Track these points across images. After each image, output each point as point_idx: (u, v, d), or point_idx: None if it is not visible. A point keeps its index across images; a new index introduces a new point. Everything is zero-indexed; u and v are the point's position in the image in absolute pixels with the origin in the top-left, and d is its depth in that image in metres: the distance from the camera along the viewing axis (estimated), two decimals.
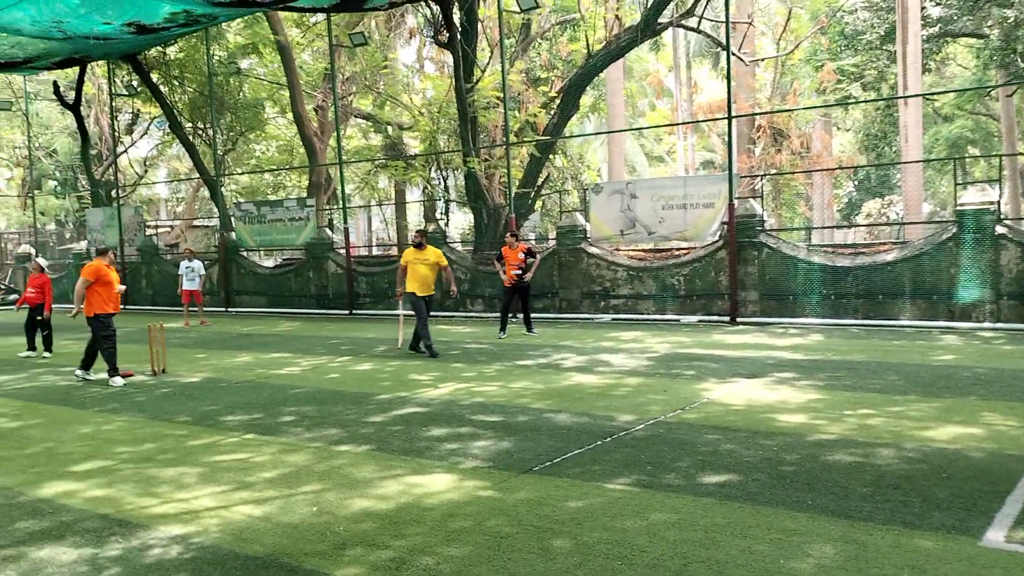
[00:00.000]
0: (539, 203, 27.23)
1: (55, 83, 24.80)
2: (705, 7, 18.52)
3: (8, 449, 6.74)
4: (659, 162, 41.53)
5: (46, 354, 12.98)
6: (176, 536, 4.56)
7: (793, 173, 26.68)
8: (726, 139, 15.78)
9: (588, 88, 23.82)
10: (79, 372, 10.44)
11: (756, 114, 27.09)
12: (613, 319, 15.21)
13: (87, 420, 7.89)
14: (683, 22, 18.86)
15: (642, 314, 15.21)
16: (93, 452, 6.57)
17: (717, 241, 14.68)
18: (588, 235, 16.21)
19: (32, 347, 13.16)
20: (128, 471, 5.96)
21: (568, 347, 11.65)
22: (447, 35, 18.33)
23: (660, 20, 17.94)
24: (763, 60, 29.07)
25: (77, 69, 22.96)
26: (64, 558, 4.30)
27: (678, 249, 16.70)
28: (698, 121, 31.39)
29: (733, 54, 16.36)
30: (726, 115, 14.82)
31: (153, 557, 4.27)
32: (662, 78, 42.56)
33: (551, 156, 23.34)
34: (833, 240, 27.66)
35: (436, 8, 18.77)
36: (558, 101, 20.04)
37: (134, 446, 6.73)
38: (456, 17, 18.23)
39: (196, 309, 17.94)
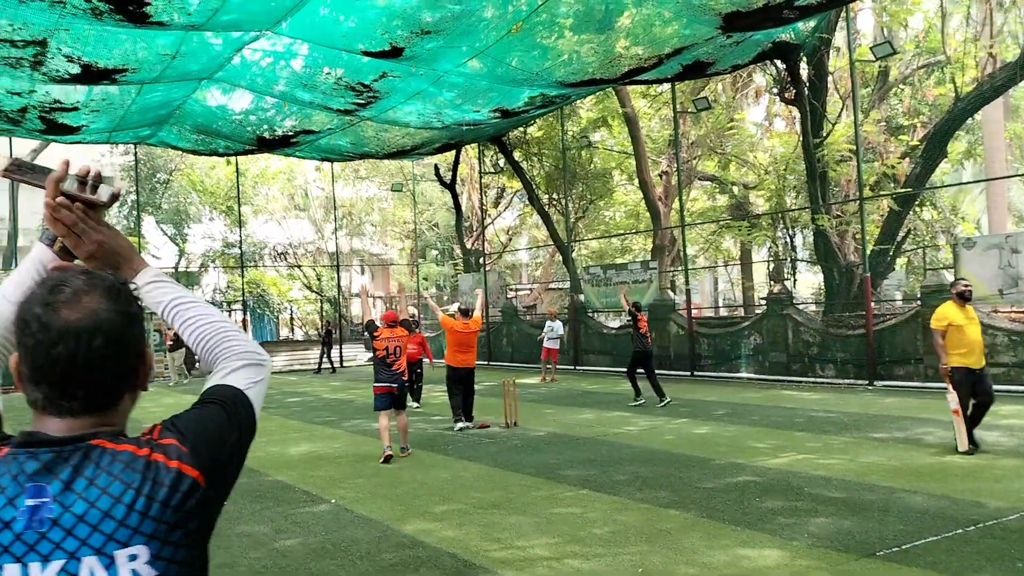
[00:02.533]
0: (903, 260, 25.00)
1: (435, 166, 28.41)
2: None
3: (384, 487, 7.76)
4: None
5: (414, 404, 14.56)
6: None
7: None
8: None
9: (961, 132, 21.56)
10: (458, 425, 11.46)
11: None
12: None
13: (448, 465, 8.79)
14: None
15: None
16: (449, 495, 7.31)
17: None
18: None
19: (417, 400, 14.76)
20: (477, 515, 6.54)
21: (932, 420, 10.46)
22: (794, 92, 17.84)
23: None
24: None
25: (453, 152, 26.09)
26: None
27: None
28: None
29: None
30: None
31: None
32: None
33: (916, 208, 21.39)
34: None
35: (781, 65, 18.40)
36: (921, 149, 18.39)
37: (484, 492, 7.36)
38: (804, 72, 17.69)
39: (551, 366, 19.07)
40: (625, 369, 14.26)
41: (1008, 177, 25.16)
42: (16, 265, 22.13)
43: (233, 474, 1.29)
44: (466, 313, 11.79)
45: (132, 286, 1.33)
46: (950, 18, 20.68)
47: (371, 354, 10.26)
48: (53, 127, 17.39)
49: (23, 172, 1.41)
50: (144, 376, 1.27)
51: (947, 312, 8.41)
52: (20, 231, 26.50)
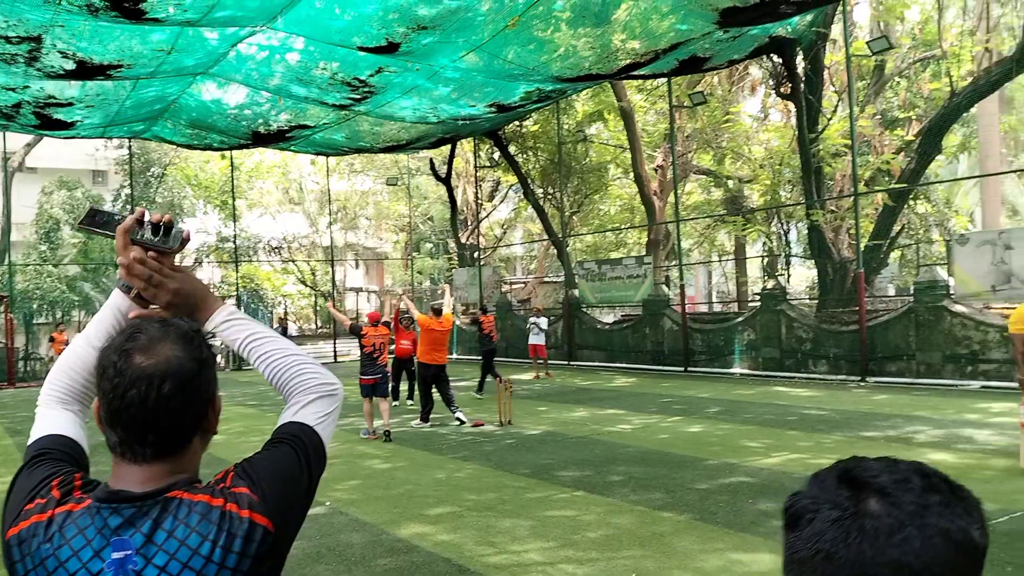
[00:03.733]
0: (898, 254, 25.05)
1: (431, 160, 28.39)
2: None
3: (379, 489, 7.79)
4: None
5: (408, 402, 14.57)
6: None
7: None
8: None
9: (956, 125, 21.60)
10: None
11: None
12: (982, 387, 13.44)
13: (442, 466, 8.83)
14: None
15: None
16: (444, 497, 7.34)
17: None
18: (951, 291, 14.58)
19: (396, 396, 14.20)
20: (471, 518, 6.57)
21: (923, 418, 10.54)
22: (789, 86, 17.85)
23: None
24: None
25: (449, 147, 26.06)
26: None
27: None
28: None
29: None
30: None
31: None
32: None
33: (911, 202, 21.44)
34: None
35: (778, 59, 18.40)
36: (916, 144, 18.43)
37: (478, 494, 7.39)
38: (799, 67, 17.70)
39: (541, 362, 19.04)
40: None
41: (999, 174, 25.19)
42: (9, 260, 21.88)
43: (302, 514, 1.33)
44: (438, 312, 12.03)
45: (208, 325, 1.42)
46: (946, 11, 20.69)
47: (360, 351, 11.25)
48: (48, 122, 17.33)
49: (96, 224, 1.45)
50: (214, 420, 1.32)
51: None
52: (13, 226, 26.41)
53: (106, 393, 1.24)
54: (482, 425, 11.46)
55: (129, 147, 26.03)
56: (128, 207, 28.23)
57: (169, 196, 31.85)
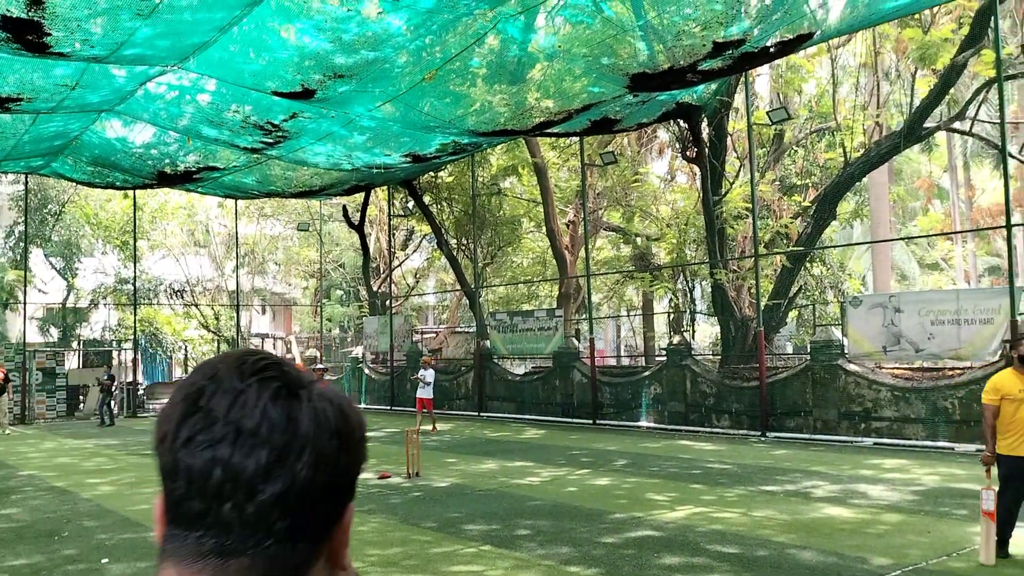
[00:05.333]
0: (795, 313, 26.07)
1: (344, 207, 28.15)
2: (979, 108, 17.20)
3: None
4: (933, 270, 38.27)
5: None
6: None
7: None
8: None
9: (850, 193, 22.80)
10: None
11: None
12: (875, 443, 14.00)
13: None
14: (953, 126, 17.64)
15: (909, 439, 13.85)
16: None
17: (997, 361, 13.15)
18: (846, 351, 15.23)
19: None
20: (375, 575, 6.38)
21: (820, 473, 10.87)
22: (695, 150, 18.56)
23: (926, 124, 16.92)
24: None
25: (363, 194, 25.94)
26: None
27: (951, 369, 15.16)
28: (973, 230, 28.75)
29: (1011, 156, 15.00)
30: (1005, 223, 13.51)
31: None
32: (935, 180, 39.67)
33: (808, 265, 22.43)
34: None
35: (684, 124, 19.15)
36: (812, 210, 19.37)
37: (383, 549, 7.20)
38: (704, 132, 18.45)
39: (426, 413, 17.76)
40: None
41: (889, 240, 26.67)
42: None
43: None
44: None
45: None
46: (841, 86, 22.00)
47: None
48: None
49: None
50: None
51: (1001, 382, 6.44)
52: None
53: None
54: (389, 477, 11.24)
55: (25, 183, 24.91)
56: (21, 245, 26.91)
57: (66, 234, 30.52)
